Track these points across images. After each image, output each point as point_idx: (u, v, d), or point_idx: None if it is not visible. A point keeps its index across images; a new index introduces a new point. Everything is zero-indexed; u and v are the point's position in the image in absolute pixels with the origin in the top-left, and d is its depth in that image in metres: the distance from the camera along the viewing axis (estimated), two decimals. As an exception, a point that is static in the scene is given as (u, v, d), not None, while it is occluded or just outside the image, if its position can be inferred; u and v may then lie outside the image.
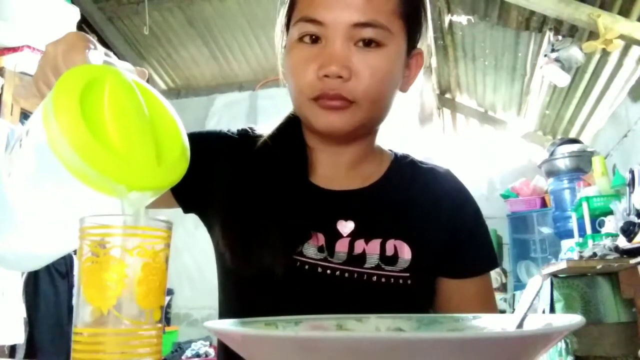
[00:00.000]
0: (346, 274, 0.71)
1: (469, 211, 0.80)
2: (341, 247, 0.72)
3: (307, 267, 0.71)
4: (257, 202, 0.72)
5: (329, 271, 0.71)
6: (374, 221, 0.74)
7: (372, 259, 0.71)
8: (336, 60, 0.67)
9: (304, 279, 0.71)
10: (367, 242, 0.72)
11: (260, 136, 0.81)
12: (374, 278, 0.71)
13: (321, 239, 0.72)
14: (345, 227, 0.74)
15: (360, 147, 0.78)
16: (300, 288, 0.71)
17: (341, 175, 0.78)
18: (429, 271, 0.75)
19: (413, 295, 0.72)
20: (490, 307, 0.79)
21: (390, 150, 0.85)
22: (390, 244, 0.72)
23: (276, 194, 0.73)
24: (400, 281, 0.71)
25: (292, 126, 0.79)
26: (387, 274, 0.71)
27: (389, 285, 0.71)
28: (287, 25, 0.77)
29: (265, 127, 0.83)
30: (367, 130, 0.76)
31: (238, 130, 0.83)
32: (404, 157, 0.84)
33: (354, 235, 0.73)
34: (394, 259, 0.72)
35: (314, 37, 0.70)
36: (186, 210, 0.81)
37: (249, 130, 0.82)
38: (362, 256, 0.72)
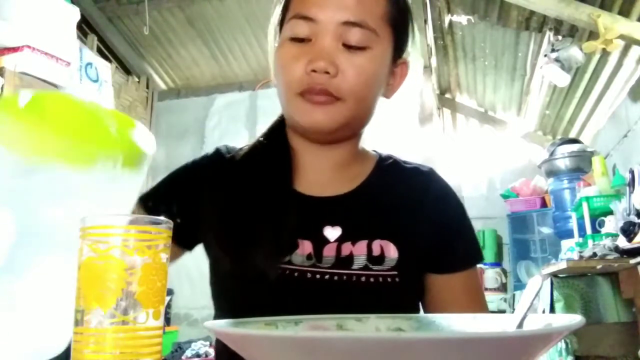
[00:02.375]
0: (335, 277, 0.72)
1: (453, 207, 0.82)
2: (329, 251, 0.73)
3: (296, 274, 0.71)
4: (243, 217, 0.73)
5: (318, 275, 0.72)
6: (360, 224, 0.75)
7: (360, 260, 0.72)
8: (324, 56, 0.70)
9: (295, 286, 0.71)
10: (353, 244, 0.73)
11: (237, 151, 0.82)
12: (363, 278, 0.72)
13: (308, 247, 0.73)
14: (332, 232, 0.75)
15: (345, 150, 0.80)
16: (292, 295, 0.71)
17: (326, 178, 0.79)
18: (415, 268, 0.76)
19: (401, 292, 0.73)
20: (478, 299, 0.80)
21: (375, 151, 0.86)
22: (376, 244, 0.73)
23: (261, 206, 0.74)
24: (389, 279, 0.72)
25: (278, 131, 0.81)
26: (375, 273, 0.72)
27: (378, 284, 0.72)
28: (281, 24, 0.78)
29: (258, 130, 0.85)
30: (350, 131, 0.77)
31: (207, 155, 0.84)
32: (388, 158, 0.85)
33: (340, 240, 0.74)
34: (381, 258, 0.73)
35: (304, 36, 0.72)
36: (191, 249, 0.82)
37: (222, 150, 0.84)
38: (350, 258, 0.72)
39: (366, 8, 0.71)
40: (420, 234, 0.76)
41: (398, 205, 0.78)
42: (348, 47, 0.71)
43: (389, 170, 0.82)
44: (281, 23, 0.78)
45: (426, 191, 0.81)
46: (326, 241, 0.74)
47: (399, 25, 0.77)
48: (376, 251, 0.73)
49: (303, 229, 0.74)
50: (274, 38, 0.81)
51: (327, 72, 0.69)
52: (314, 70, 0.70)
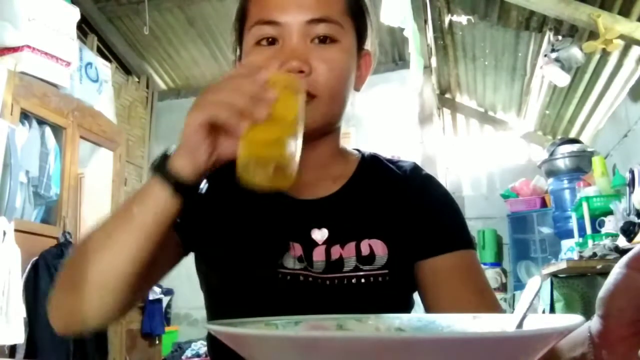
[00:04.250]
0: (327, 282, 0.71)
1: (434, 191, 0.81)
2: (318, 256, 0.72)
3: (289, 277, 0.71)
4: (234, 221, 0.73)
5: (310, 279, 0.71)
6: (347, 225, 0.75)
7: (350, 261, 0.72)
8: (296, 55, 0.69)
9: (287, 290, 0.71)
10: (342, 247, 0.73)
11: None
12: (354, 280, 0.71)
13: (298, 249, 0.72)
14: (320, 235, 0.74)
15: (325, 149, 0.79)
16: (285, 299, 0.71)
17: (309, 179, 0.78)
18: (406, 263, 0.75)
19: (392, 290, 0.73)
20: (473, 281, 0.74)
21: (358, 150, 0.86)
22: (364, 244, 0.73)
23: (252, 210, 0.74)
24: (380, 279, 0.72)
25: None
26: (365, 273, 0.72)
27: (369, 284, 0.71)
28: (240, 38, 0.78)
29: None
30: (328, 127, 0.77)
31: None
32: (371, 156, 0.85)
33: (329, 242, 0.73)
34: (371, 258, 0.72)
35: (270, 39, 0.72)
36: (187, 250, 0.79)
37: None
38: (340, 261, 0.72)
39: (327, 3, 0.72)
40: (406, 226, 0.75)
41: (383, 202, 0.78)
42: (317, 42, 0.71)
43: (372, 169, 0.82)
44: (240, 37, 0.78)
45: (409, 184, 0.80)
46: (315, 244, 0.73)
47: (358, 15, 0.78)
48: (365, 251, 0.73)
49: (291, 231, 0.74)
50: (235, 55, 0.81)
51: (302, 71, 0.69)
52: (288, 71, 0.69)
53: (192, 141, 0.59)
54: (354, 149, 0.86)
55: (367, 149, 0.87)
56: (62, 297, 0.65)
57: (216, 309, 0.78)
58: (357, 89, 0.80)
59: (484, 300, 0.72)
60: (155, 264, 0.66)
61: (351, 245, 0.73)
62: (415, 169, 0.83)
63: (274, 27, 0.71)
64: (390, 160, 0.85)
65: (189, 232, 0.75)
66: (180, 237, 0.74)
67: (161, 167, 0.61)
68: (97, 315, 0.64)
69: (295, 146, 0.57)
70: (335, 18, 0.72)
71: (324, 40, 0.72)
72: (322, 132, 0.76)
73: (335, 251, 0.73)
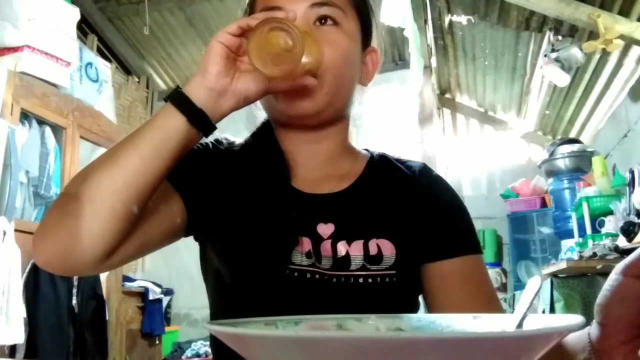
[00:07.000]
0: (334, 279, 0.71)
1: (443, 193, 0.81)
2: (325, 251, 0.72)
3: (296, 274, 0.71)
4: (245, 214, 0.73)
5: (317, 276, 0.71)
6: (354, 223, 0.74)
7: (357, 260, 0.72)
8: None
9: (295, 287, 0.70)
10: (349, 244, 0.72)
11: (233, 144, 0.82)
12: (361, 280, 0.71)
13: (307, 244, 0.72)
14: (325, 229, 0.74)
15: (333, 142, 0.80)
16: (292, 296, 0.70)
17: (318, 175, 0.78)
18: (413, 264, 0.74)
19: (400, 291, 0.72)
20: (477, 290, 0.75)
21: (367, 150, 0.86)
22: (372, 244, 0.73)
23: (262, 203, 0.73)
24: (387, 279, 0.71)
25: (265, 133, 0.81)
26: (373, 273, 0.71)
27: (376, 284, 0.71)
28: None
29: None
30: (333, 110, 0.77)
31: (212, 142, 0.82)
32: (380, 156, 0.85)
33: (334, 237, 0.73)
34: (378, 257, 0.72)
35: None
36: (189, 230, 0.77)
37: (223, 141, 0.83)
38: (347, 258, 0.72)
39: None
40: (414, 227, 0.75)
41: (392, 202, 0.77)
42: (319, 24, 0.74)
43: (381, 168, 0.82)
44: None
45: (418, 184, 0.80)
46: (321, 238, 0.73)
47: (363, 9, 0.80)
48: (373, 250, 0.72)
49: (299, 225, 0.73)
50: None
51: None
52: None
53: (208, 61, 0.64)
54: (363, 149, 0.86)
55: (375, 149, 0.87)
56: (53, 224, 0.62)
57: (221, 304, 0.78)
58: (363, 83, 0.81)
59: (490, 309, 0.72)
60: (153, 218, 0.67)
61: (359, 244, 0.72)
62: (425, 169, 0.83)
63: (278, 13, 0.72)
64: (399, 160, 0.85)
65: (196, 214, 0.74)
66: (187, 213, 0.73)
67: (173, 92, 0.63)
68: (87, 244, 0.60)
69: (296, 48, 0.62)
70: (338, 3, 0.75)
71: (326, 22, 0.74)
72: (328, 117, 0.77)
73: (342, 247, 0.72)
